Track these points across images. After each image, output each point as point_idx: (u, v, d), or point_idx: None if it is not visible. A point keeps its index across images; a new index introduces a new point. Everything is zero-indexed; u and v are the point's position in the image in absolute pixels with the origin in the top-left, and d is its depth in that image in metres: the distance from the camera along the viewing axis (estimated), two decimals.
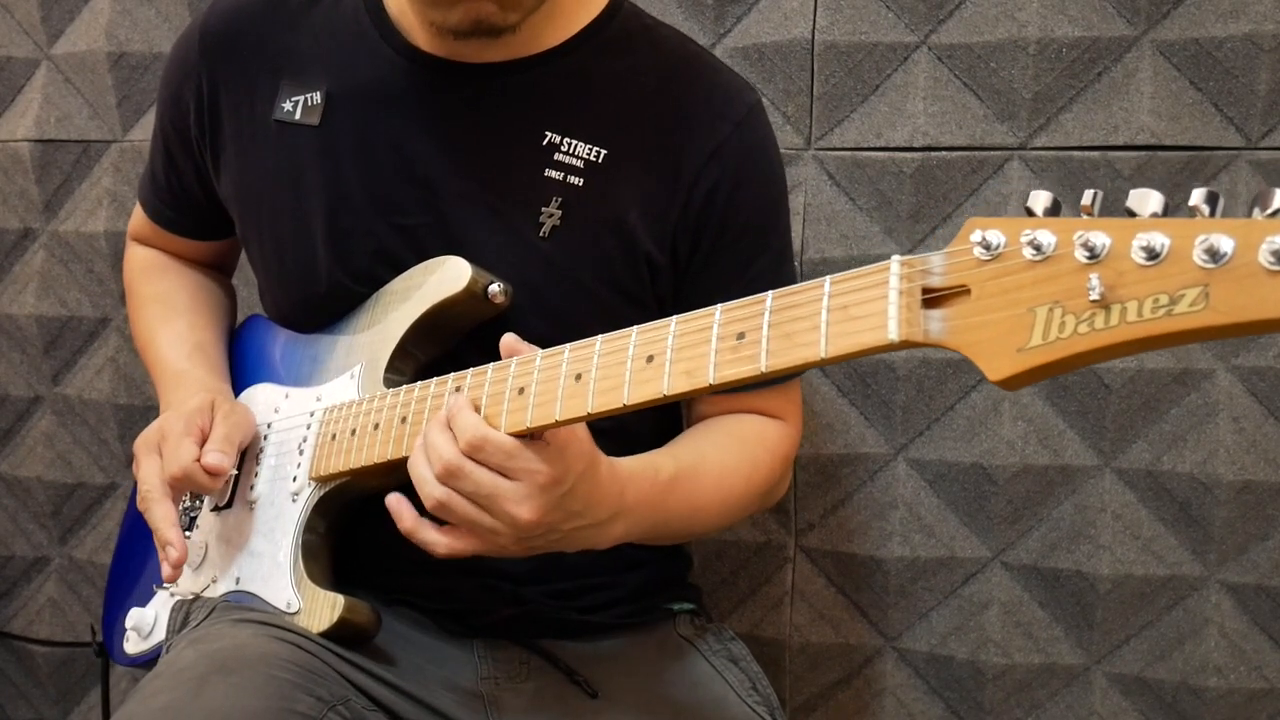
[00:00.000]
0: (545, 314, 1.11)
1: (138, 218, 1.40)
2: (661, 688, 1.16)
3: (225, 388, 1.25)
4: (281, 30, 1.19)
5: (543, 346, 0.98)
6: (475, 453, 0.91)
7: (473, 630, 1.17)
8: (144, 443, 1.14)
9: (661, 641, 1.21)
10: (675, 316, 0.86)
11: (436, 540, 0.97)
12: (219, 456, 1.10)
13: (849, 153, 1.49)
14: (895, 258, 0.75)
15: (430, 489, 0.94)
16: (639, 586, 1.22)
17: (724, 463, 1.12)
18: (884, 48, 1.46)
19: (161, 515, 1.09)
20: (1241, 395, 1.39)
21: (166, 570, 1.09)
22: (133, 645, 1.23)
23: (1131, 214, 0.66)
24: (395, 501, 0.98)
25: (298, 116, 1.17)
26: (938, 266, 0.72)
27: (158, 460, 1.12)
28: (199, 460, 1.09)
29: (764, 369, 0.80)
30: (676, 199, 1.13)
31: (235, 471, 1.15)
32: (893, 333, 0.73)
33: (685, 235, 1.14)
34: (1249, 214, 0.62)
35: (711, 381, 0.83)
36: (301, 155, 1.17)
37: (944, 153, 1.45)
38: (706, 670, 1.19)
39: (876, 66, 1.47)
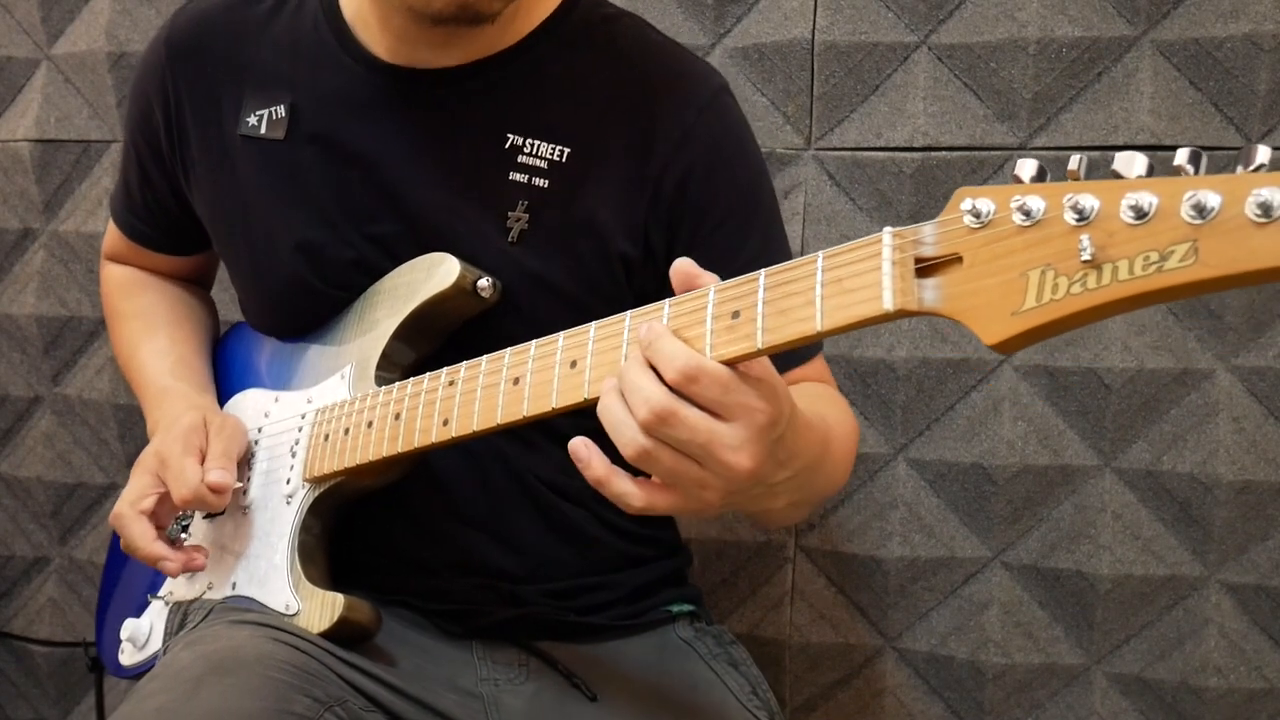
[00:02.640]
0: (520, 320, 1.10)
1: (112, 235, 1.38)
2: (661, 692, 1.16)
3: (211, 402, 1.24)
4: (244, 42, 1.19)
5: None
6: (689, 384, 0.79)
7: (470, 631, 1.16)
8: (140, 467, 1.13)
9: (661, 644, 1.20)
10: (668, 299, 0.85)
11: (632, 493, 0.84)
12: (221, 474, 1.10)
13: (849, 153, 1.49)
14: (887, 229, 0.75)
15: (632, 436, 0.81)
16: (638, 587, 1.22)
17: (831, 414, 1.06)
18: (884, 48, 1.46)
19: (139, 533, 1.09)
20: (1241, 395, 1.39)
21: (174, 566, 1.10)
22: (128, 657, 1.23)
23: (1118, 177, 0.66)
24: (582, 446, 0.85)
25: (263, 131, 1.16)
26: (929, 236, 0.73)
27: (146, 481, 1.11)
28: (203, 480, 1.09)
29: (760, 345, 0.80)
30: (645, 190, 1.11)
31: (239, 484, 1.15)
32: (888, 302, 0.74)
33: (659, 227, 1.12)
34: (1233, 171, 0.63)
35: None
36: (269, 170, 1.16)
37: (944, 153, 1.45)
38: (706, 674, 1.18)
39: (876, 66, 1.47)
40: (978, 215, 0.71)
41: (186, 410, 1.17)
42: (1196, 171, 0.64)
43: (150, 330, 1.32)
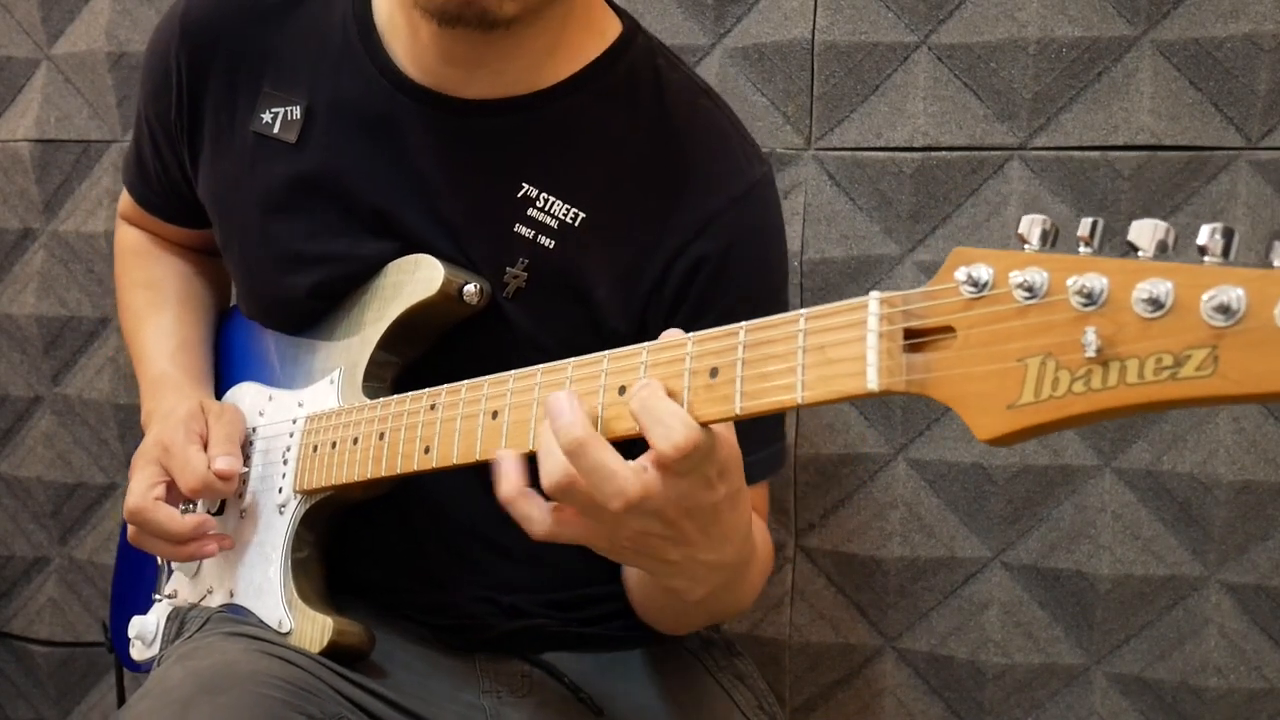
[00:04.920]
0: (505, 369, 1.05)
1: (125, 198, 1.36)
2: (666, 705, 1.14)
3: (206, 393, 1.23)
4: (265, 28, 1.14)
5: None
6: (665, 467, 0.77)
7: (473, 645, 1.15)
8: (142, 456, 1.12)
9: (667, 656, 1.18)
10: (646, 344, 0.81)
11: (537, 519, 0.83)
12: (228, 460, 1.09)
13: (849, 153, 1.49)
14: (874, 295, 0.69)
15: (554, 465, 0.79)
16: None
17: (759, 540, 1.03)
18: (884, 48, 1.46)
19: (166, 517, 1.07)
20: None
21: (212, 546, 1.09)
22: (138, 653, 1.22)
23: (1133, 248, 0.59)
24: (506, 460, 0.84)
25: (276, 131, 1.12)
26: (920, 307, 0.66)
27: (152, 472, 1.10)
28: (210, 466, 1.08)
29: (739, 410, 0.74)
30: (650, 273, 1.05)
31: (246, 469, 1.15)
32: (872, 381, 0.67)
33: (658, 310, 1.06)
34: (1266, 255, 0.55)
35: None
36: (275, 172, 1.13)
37: (944, 153, 1.45)
38: (712, 688, 1.16)
39: (876, 66, 1.47)
40: (975, 284, 0.64)
41: (181, 401, 1.16)
42: (1226, 255, 0.56)
43: (158, 306, 1.31)
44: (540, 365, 0.88)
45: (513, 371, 0.90)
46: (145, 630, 1.21)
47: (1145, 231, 0.59)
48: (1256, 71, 1.35)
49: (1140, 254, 0.59)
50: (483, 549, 1.14)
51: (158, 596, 1.23)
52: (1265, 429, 1.38)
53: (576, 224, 1.05)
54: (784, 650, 1.56)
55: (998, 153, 1.44)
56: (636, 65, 1.09)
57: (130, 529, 1.11)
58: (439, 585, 1.15)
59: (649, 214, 1.06)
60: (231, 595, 1.13)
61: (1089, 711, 1.47)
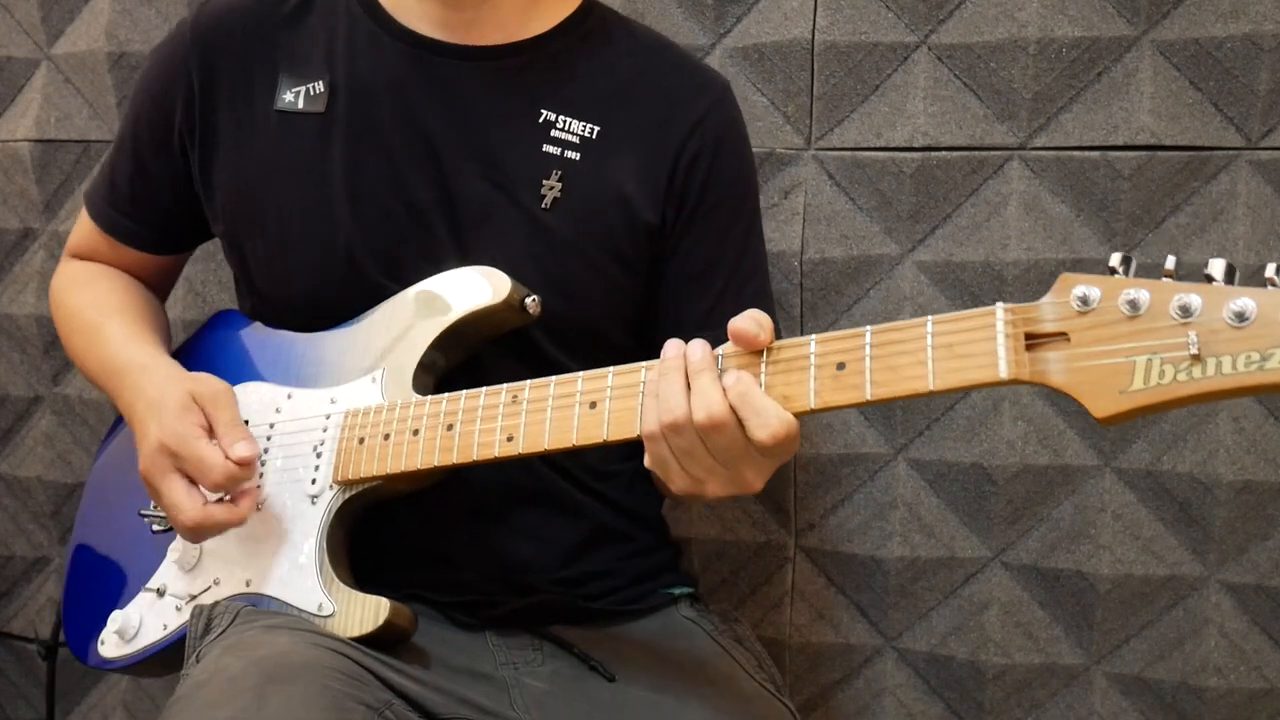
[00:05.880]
0: (549, 284, 1.15)
1: (82, 231, 1.36)
2: (672, 667, 1.18)
3: (173, 364, 1.21)
4: (276, 30, 1.22)
5: (548, 317, 1.11)
6: (776, 443, 0.93)
7: (482, 622, 1.18)
8: (155, 468, 1.11)
9: (666, 624, 1.24)
10: (766, 348, 0.93)
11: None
12: (245, 445, 1.10)
13: (849, 153, 1.49)
14: (1000, 305, 0.84)
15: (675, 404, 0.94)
16: (638, 573, 1.26)
17: None
18: (884, 48, 1.46)
19: (225, 518, 1.09)
20: None
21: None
22: (112, 649, 1.21)
23: (1209, 278, 0.77)
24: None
25: (301, 106, 1.20)
26: (1040, 315, 0.83)
27: (180, 482, 1.10)
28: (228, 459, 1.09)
29: (869, 397, 0.88)
30: (665, 167, 1.20)
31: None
32: (1003, 371, 0.83)
33: (672, 201, 1.21)
34: None
35: (812, 406, 0.90)
36: (309, 144, 1.18)
37: (944, 153, 1.45)
38: (713, 649, 1.20)
39: (876, 66, 1.47)
40: (1085, 301, 0.81)
41: (167, 388, 1.14)
42: None
43: (104, 314, 1.29)
44: (643, 363, 0.97)
45: (611, 368, 0.99)
46: (127, 625, 1.19)
47: (1218, 266, 0.78)
48: (1256, 71, 1.35)
49: (1214, 282, 0.78)
50: (495, 528, 1.18)
51: (146, 589, 1.21)
52: (1265, 429, 1.38)
53: (595, 137, 1.19)
54: (784, 650, 1.56)
55: (998, 153, 1.44)
56: (606, 16, 1.28)
57: (188, 535, 1.12)
58: (452, 564, 1.19)
59: (651, 121, 1.22)
60: (248, 584, 1.13)
61: (1089, 711, 1.47)
